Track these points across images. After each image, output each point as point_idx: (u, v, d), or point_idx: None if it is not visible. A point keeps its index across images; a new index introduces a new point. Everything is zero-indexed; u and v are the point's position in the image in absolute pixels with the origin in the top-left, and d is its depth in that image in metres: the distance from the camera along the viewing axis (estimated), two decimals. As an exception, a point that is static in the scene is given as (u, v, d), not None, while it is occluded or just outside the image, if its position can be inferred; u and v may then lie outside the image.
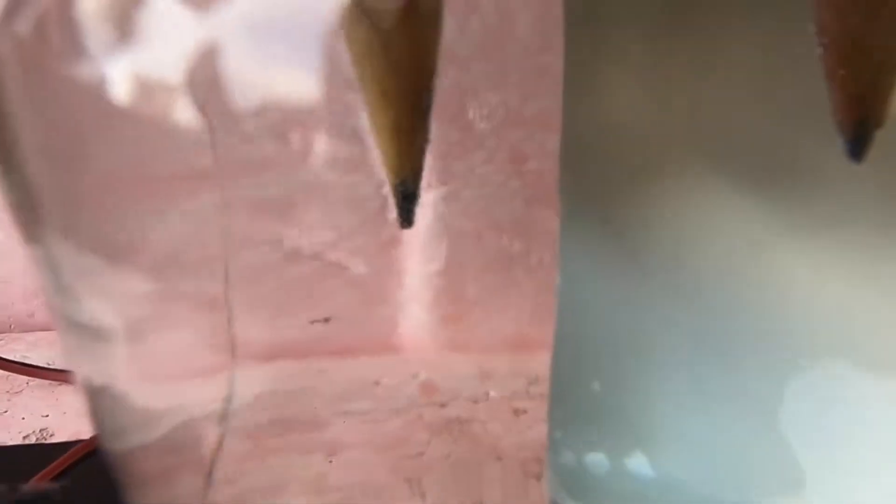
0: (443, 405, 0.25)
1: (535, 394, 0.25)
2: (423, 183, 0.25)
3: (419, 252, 0.27)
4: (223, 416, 0.23)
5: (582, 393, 0.21)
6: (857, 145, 0.11)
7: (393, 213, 0.27)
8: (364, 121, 0.25)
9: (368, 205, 0.25)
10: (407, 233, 0.27)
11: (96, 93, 0.18)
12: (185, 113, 0.21)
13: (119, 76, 0.19)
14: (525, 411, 0.25)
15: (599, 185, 0.22)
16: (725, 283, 0.19)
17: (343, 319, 0.25)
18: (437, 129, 0.15)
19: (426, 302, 0.27)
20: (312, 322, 0.25)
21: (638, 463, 0.20)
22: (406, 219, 0.12)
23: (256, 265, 0.24)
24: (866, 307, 0.18)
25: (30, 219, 0.19)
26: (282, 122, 0.22)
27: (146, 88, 0.19)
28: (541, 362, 0.24)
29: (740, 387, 0.19)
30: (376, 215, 0.25)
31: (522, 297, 0.26)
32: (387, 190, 0.27)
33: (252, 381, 0.24)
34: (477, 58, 0.25)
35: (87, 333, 0.21)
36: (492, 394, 0.25)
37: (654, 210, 0.20)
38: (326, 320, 0.25)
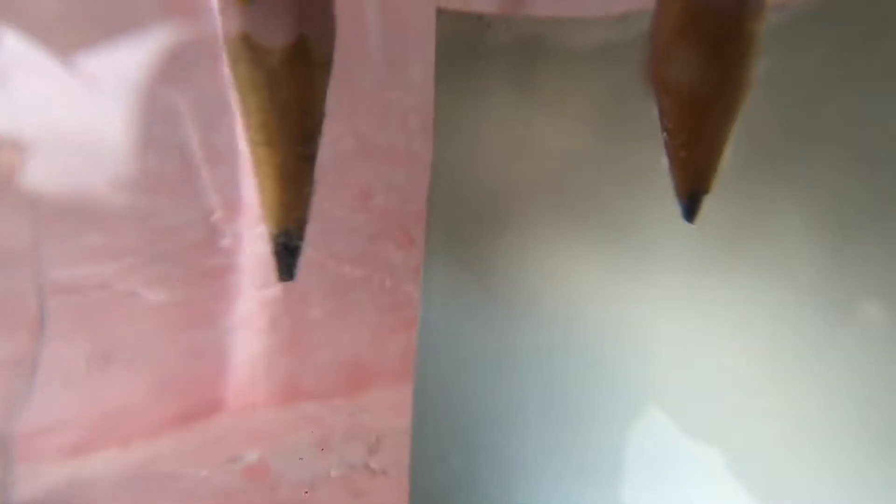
0: (273, 489, 0.23)
1: (376, 467, 0.23)
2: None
3: (252, 278, 0.25)
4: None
5: (443, 470, 0.20)
6: (691, 209, 0.12)
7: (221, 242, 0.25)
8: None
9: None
10: (242, 259, 0.25)
11: None
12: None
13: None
14: (367, 493, 0.23)
15: (462, 229, 0.22)
16: (575, 321, 0.21)
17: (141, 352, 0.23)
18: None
19: (261, 327, 0.25)
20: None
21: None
22: (286, 272, 0.11)
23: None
24: (677, 347, 0.20)
25: None
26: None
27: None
28: (381, 409, 0.23)
29: (583, 441, 0.20)
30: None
31: (363, 318, 0.26)
32: (215, 219, 0.25)
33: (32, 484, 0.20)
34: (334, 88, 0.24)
35: None
36: (333, 474, 0.24)
37: (514, 254, 0.21)
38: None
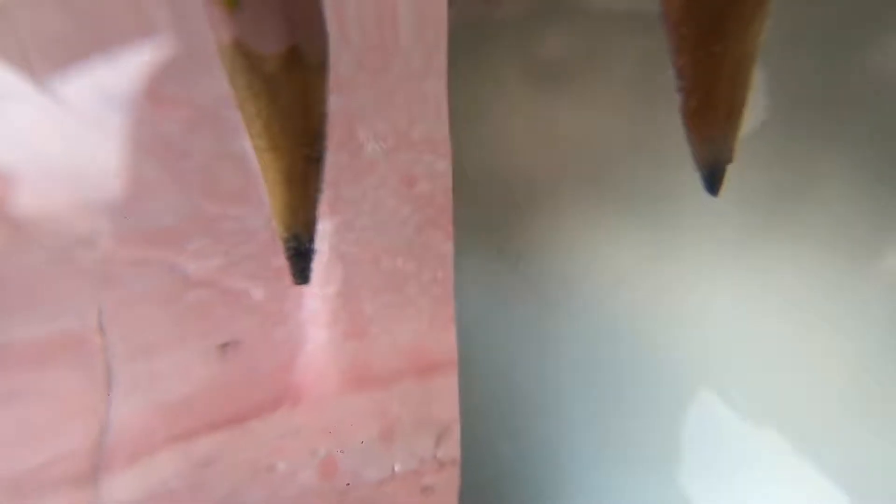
0: (344, 493, 0.23)
1: (443, 457, 0.24)
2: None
3: (315, 277, 0.26)
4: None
5: (491, 457, 0.20)
6: (713, 180, 0.12)
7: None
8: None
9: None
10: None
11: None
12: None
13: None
14: (433, 490, 0.24)
15: (492, 216, 0.22)
16: (616, 306, 0.20)
17: (244, 342, 0.24)
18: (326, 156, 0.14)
19: (325, 321, 0.26)
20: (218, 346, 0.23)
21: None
22: (300, 276, 0.11)
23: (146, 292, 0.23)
24: (722, 324, 0.19)
25: None
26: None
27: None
28: (444, 397, 0.23)
29: (634, 425, 0.20)
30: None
31: (418, 312, 0.26)
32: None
33: (131, 482, 0.22)
34: (361, 83, 0.24)
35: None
36: (398, 469, 0.24)
37: (546, 240, 0.21)
38: (225, 346, 0.23)
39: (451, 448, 0.23)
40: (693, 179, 0.17)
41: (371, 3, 0.25)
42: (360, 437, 0.24)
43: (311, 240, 0.11)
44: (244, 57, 0.11)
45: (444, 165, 0.25)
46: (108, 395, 0.22)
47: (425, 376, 0.26)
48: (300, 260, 0.11)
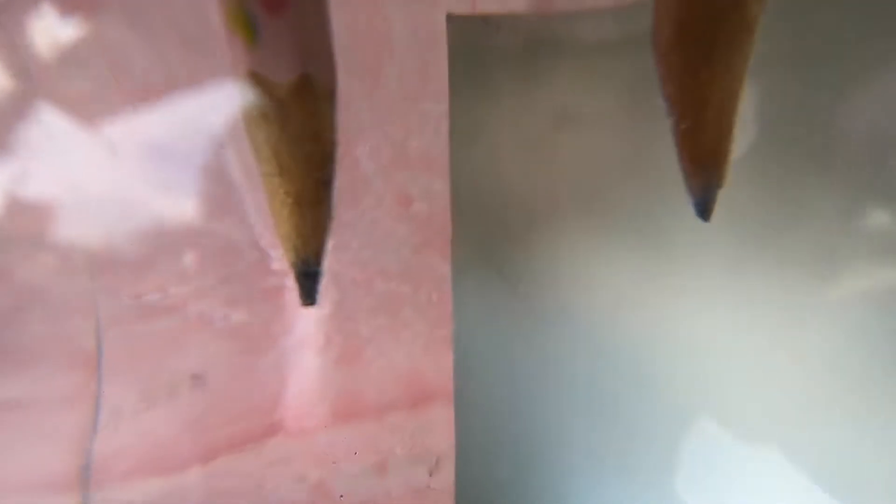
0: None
1: (438, 488, 0.23)
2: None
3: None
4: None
5: (488, 479, 0.20)
6: (704, 205, 0.12)
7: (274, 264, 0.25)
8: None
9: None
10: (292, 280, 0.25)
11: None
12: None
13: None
14: None
15: (492, 239, 0.22)
16: (613, 328, 0.20)
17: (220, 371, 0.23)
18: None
19: (317, 345, 0.25)
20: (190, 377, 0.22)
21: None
22: (308, 297, 0.12)
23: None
24: (717, 345, 0.19)
25: None
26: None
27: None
28: (438, 426, 0.23)
29: (633, 447, 0.20)
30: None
31: (414, 335, 0.26)
32: (263, 243, 0.25)
33: None
34: (362, 100, 0.24)
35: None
36: (394, 494, 0.23)
37: (545, 262, 0.21)
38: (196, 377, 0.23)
39: (446, 478, 0.23)
40: (686, 203, 0.18)
41: (367, 28, 0.25)
42: (353, 469, 0.24)
43: (318, 264, 0.12)
44: (259, 85, 0.11)
45: (441, 185, 0.25)
46: (94, 425, 0.21)
47: (419, 407, 0.25)
48: (308, 282, 0.11)
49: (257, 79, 0.11)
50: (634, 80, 0.19)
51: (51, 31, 0.21)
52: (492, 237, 0.21)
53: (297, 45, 0.10)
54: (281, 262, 0.25)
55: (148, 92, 0.22)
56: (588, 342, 0.20)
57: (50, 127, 0.20)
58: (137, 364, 0.23)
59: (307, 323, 0.25)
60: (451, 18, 0.22)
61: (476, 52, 0.21)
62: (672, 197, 0.19)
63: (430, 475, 0.23)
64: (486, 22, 0.21)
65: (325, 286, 0.26)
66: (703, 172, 0.11)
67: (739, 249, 0.18)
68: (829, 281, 0.17)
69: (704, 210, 0.11)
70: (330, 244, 0.26)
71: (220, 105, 0.22)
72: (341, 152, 0.25)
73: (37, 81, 0.21)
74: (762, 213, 0.18)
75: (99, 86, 0.22)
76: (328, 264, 0.25)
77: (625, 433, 0.20)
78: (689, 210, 0.18)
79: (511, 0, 0.24)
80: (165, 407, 0.23)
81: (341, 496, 0.23)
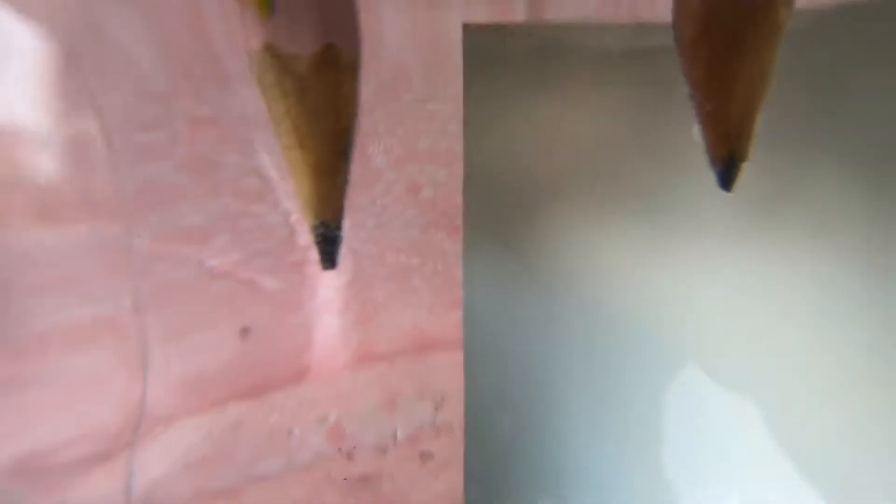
0: (350, 457, 0.23)
1: (440, 425, 0.23)
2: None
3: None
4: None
5: (494, 433, 0.19)
6: (727, 177, 0.10)
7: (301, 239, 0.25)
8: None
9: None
10: (315, 253, 0.25)
11: None
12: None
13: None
14: (432, 456, 0.23)
15: (501, 215, 0.21)
16: (616, 298, 0.19)
17: (262, 327, 0.23)
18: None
19: (337, 309, 0.25)
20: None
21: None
22: (329, 260, 0.10)
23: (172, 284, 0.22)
24: (716, 313, 0.18)
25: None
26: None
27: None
28: (443, 371, 0.23)
29: (625, 407, 0.19)
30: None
31: (420, 300, 0.26)
32: (292, 220, 0.25)
33: (163, 449, 0.21)
34: (377, 104, 0.24)
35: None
36: (399, 435, 0.23)
37: (551, 236, 0.20)
38: (245, 329, 0.23)
39: (448, 416, 0.23)
40: (693, 177, 0.16)
41: (382, 38, 0.24)
42: (366, 405, 0.24)
43: (338, 226, 0.10)
44: (275, 59, 0.09)
45: (445, 174, 0.25)
46: (144, 371, 0.21)
47: (425, 353, 0.26)
48: (328, 245, 0.10)
49: (274, 52, 0.09)
50: (640, 78, 0.17)
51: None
52: (502, 213, 0.20)
53: (320, 13, 0.09)
54: (306, 237, 0.25)
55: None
56: (589, 309, 0.19)
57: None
58: (192, 319, 0.23)
59: (329, 290, 0.25)
60: (466, 27, 0.21)
61: (490, 56, 0.20)
62: (675, 174, 0.17)
63: (436, 410, 0.23)
64: (500, 29, 0.20)
65: (343, 259, 0.26)
66: (727, 147, 0.10)
67: (740, 224, 0.17)
68: (826, 256, 0.16)
69: (727, 181, 0.10)
70: (348, 224, 0.25)
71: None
72: (355, 152, 0.24)
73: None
74: (764, 188, 0.16)
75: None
76: (346, 241, 0.24)
77: (620, 392, 0.18)
78: (690, 187, 0.17)
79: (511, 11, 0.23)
80: (213, 355, 0.23)
81: (353, 448, 0.22)
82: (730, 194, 0.10)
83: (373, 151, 0.25)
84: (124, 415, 0.21)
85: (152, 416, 0.21)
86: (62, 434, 0.20)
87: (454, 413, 0.22)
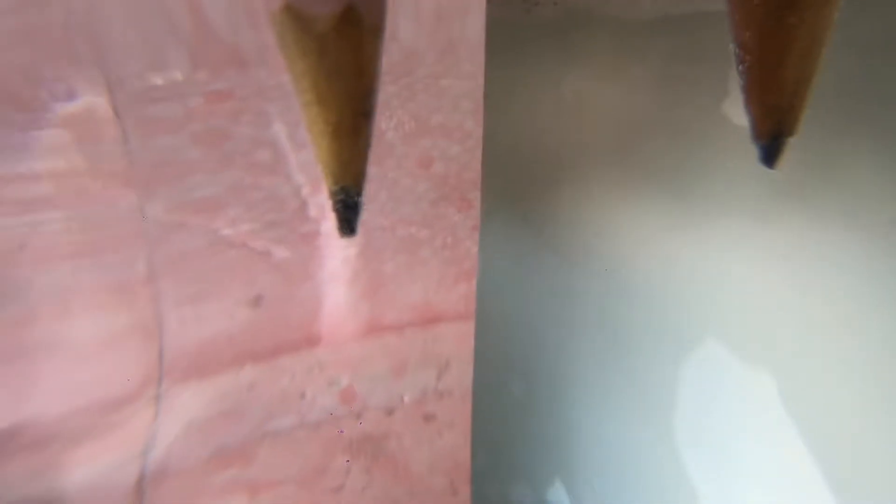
0: (358, 416, 0.23)
1: (443, 389, 0.22)
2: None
3: (336, 240, 0.25)
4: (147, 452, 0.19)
5: (506, 401, 0.19)
6: (772, 153, 0.09)
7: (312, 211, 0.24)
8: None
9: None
10: (326, 225, 0.24)
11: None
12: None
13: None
14: (434, 416, 0.23)
15: (519, 187, 0.20)
16: (632, 268, 0.18)
17: (274, 295, 0.23)
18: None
19: (346, 279, 0.24)
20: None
21: (558, 495, 0.18)
22: (348, 228, 0.09)
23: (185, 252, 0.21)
24: (737, 290, 0.17)
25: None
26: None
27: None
28: (450, 340, 0.22)
29: (638, 378, 0.18)
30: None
31: (429, 272, 0.25)
32: (304, 193, 0.24)
33: (179, 409, 0.20)
34: (390, 80, 0.23)
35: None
36: (406, 399, 0.23)
37: (569, 208, 0.19)
38: (258, 297, 0.22)
39: (450, 381, 0.23)
40: (716, 157, 0.15)
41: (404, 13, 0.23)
42: (375, 370, 0.23)
43: (359, 193, 0.09)
44: (295, 20, 0.08)
45: (458, 150, 0.24)
46: (159, 336, 0.20)
47: (432, 323, 0.25)
48: (348, 212, 0.09)
49: (293, 13, 0.08)
50: (665, 50, 0.16)
51: None
52: (520, 184, 0.19)
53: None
54: (316, 209, 0.24)
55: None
56: (605, 278, 0.18)
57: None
58: (206, 286, 0.22)
59: (339, 261, 0.24)
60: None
61: (513, 27, 0.18)
62: (704, 150, 0.16)
63: (439, 377, 0.22)
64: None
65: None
66: (776, 118, 0.09)
67: (769, 202, 0.15)
68: (850, 233, 0.15)
69: (771, 157, 0.09)
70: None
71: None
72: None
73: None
74: (798, 164, 0.15)
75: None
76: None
77: (630, 360, 0.18)
78: (720, 163, 0.15)
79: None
80: (226, 321, 0.22)
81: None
82: (759, 173, 0.09)
83: (385, 125, 0.24)
84: (140, 378, 0.20)
85: (169, 379, 0.21)
86: (77, 398, 0.19)
87: (459, 379, 0.22)
